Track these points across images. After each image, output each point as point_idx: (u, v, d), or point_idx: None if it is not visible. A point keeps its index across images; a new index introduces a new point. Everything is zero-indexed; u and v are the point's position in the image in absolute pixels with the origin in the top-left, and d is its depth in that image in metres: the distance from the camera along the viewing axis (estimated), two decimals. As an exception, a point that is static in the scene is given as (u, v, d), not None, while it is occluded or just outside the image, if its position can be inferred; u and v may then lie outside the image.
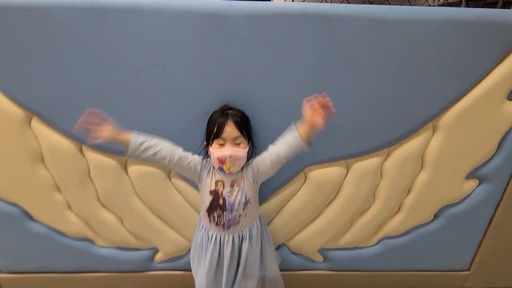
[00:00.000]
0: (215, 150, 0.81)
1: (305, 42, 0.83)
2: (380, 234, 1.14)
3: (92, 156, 0.96)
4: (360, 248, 1.18)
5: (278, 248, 1.17)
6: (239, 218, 0.87)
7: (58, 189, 1.02)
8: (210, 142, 0.83)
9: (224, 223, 0.87)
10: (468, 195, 1.07)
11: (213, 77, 0.87)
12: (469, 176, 1.04)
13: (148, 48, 0.84)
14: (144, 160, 0.83)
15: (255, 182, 0.88)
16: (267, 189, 1.04)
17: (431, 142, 0.98)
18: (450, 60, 0.86)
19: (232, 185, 0.86)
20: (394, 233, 1.14)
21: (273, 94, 0.90)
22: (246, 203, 0.87)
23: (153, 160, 0.83)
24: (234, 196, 0.86)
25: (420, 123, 0.94)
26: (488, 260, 1.20)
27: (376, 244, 1.17)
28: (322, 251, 1.18)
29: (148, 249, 1.16)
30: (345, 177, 1.02)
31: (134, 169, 0.99)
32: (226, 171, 0.83)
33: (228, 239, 0.89)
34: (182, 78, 0.87)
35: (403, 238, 1.15)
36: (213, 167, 0.86)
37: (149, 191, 1.03)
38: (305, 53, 0.85)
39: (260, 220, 0.95)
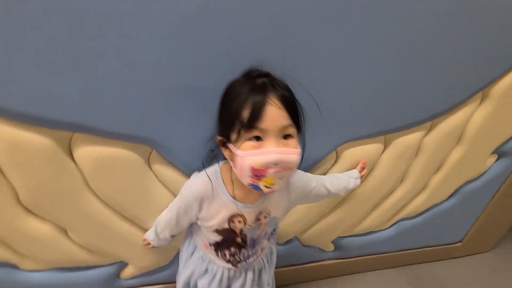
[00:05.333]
0: (248, 153, 0.44)
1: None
2: (398, 216, 1.03)
3: (7, 133, 0.53)
4: (375, 232, 1.05)
5: (289, 241, 0.95)
6: (261, 251, 0.62)
7: None
8: (232, 137, 0.47)
9: (240, 261, 0.60)
10: (486, 171, 1.01)
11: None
12: (494, 151, 0.97)
13: None
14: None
15: (290, 204, 0.61)
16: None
17: (475, 115, 0.84)
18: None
19: (258, 218, 0.55)
20: (411, 214, 1.03)
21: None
22: (273, 232, 0.62)
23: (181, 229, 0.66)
24: (260, 230, 0.57)
25: (470, 93, 0.78)
26: (478, 232, 1.22)
27: (390, 226, 1.06)
28: (335, 239, 1.01)
29: (109, 265, 0.80)
30: (381, 155, 0.83)
31: (87, 153, 0.60)
32: (264, 190, 0.47)
33: (239, 275, 0.63)
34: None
35: (418, 219, 1.06)
36: (225, 188, 0.53)
37: (114, 184, 0.65)
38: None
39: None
